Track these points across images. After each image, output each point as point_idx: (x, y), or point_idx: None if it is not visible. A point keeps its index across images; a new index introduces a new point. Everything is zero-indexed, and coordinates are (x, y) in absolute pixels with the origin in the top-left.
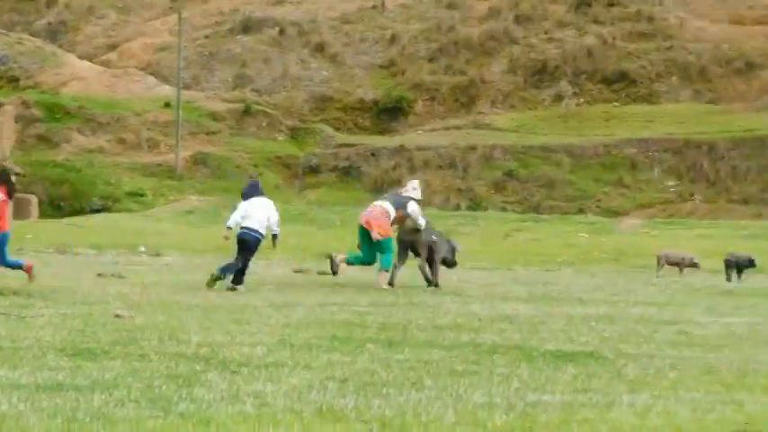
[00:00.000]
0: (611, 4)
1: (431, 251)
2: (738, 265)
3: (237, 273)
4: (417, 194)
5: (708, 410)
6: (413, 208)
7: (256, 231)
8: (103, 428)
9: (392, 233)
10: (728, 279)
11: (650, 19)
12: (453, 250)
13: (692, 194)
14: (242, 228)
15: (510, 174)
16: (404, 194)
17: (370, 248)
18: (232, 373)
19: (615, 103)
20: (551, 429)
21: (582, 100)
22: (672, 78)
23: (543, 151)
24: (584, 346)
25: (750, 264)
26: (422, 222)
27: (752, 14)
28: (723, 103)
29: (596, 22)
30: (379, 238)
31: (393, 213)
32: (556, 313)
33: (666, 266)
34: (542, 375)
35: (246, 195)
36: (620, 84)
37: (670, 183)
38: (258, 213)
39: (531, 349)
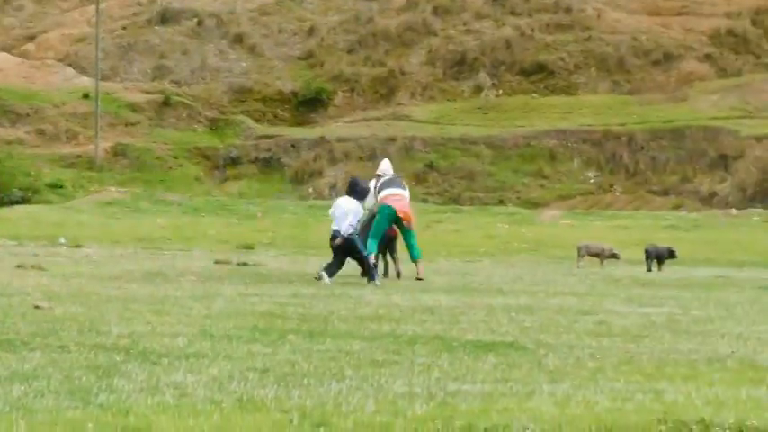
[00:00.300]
0: None
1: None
2: (658, 256)
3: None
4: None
5: (627, 399)
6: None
7: (338, 232)
8: (22, 419)
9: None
10: (649, 269)
11: (568, 10)
12: None
13: (611, 185)
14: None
15: (430, 165)
16: (394, 176)
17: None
18: (152, 364)
19: (534, 95)
20: (471, 418)
21: (501, 91)
22: (590, 70)
23: (463, 143)
24: (504, 337)
25: (670, 255)
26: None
27: (669, 5)
28: (641, 94)
29: (514, 13)
30: (412, 228)
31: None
32: (476, 304)
33: (587, 257)
34: (463, 365)
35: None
36: (539, 75)
37: (590, 174)
38: (339, 214)
39: (451, 339)
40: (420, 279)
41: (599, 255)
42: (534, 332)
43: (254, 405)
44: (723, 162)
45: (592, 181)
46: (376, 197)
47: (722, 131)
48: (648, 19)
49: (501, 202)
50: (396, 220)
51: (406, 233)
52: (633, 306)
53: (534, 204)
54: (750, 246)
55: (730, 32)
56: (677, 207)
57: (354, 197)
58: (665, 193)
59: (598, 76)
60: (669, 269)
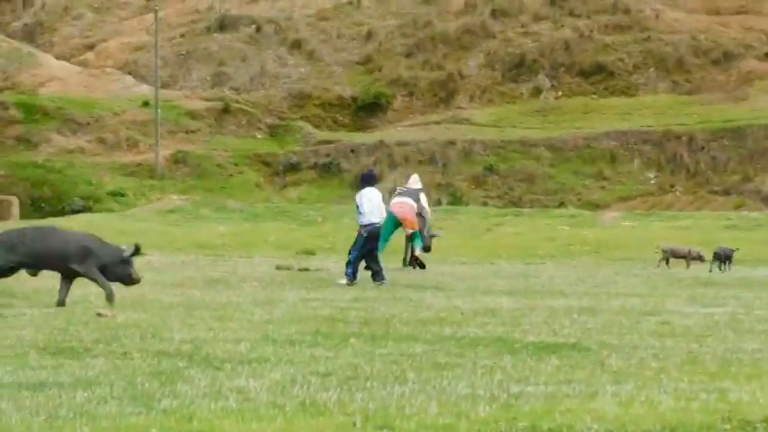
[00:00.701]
0: None
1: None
2: (727, 258)
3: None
4: (419, 185)
5: (691, 399)
6: (424, 199)
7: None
8: (86, 425)
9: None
10: (710, 270)
11: (626, 11)
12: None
13: (672, 186)
14: (370, 224)
15: (490, 168)
16: (413, 187)
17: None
18: (215, 369)
19: (593, 96)
20: (534, 419)
21: (560, 93)
22: (649, 70)
23: (522, 145)
24: (566, 338)
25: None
26: (428, 211)
27: (728, 4)
28: (701, 93)
29: (572, 14)
30: (410, 231)
31: (416, 207)
32: (538, 306)
33: (672, 260)
34: (525, 367)
35: (361, 186)
36: (598, 76)
37: (650, 175)
38: (371, 207)
39: (513, 341)
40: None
41: (685, 257)
42: (597, 333)
43: (316, 409)
44: None
45: (652, 182)
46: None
47: None
48: (707, 18)
49: (561, 205)
50: (398, 223)
51: (412, 233)
52: (696, 306)
53: (595, 206)
54: None
55: None
56: (738, 207)
57: (374, 185)
58: (727, 192)
59: (657, 76)
60: (735, 269)
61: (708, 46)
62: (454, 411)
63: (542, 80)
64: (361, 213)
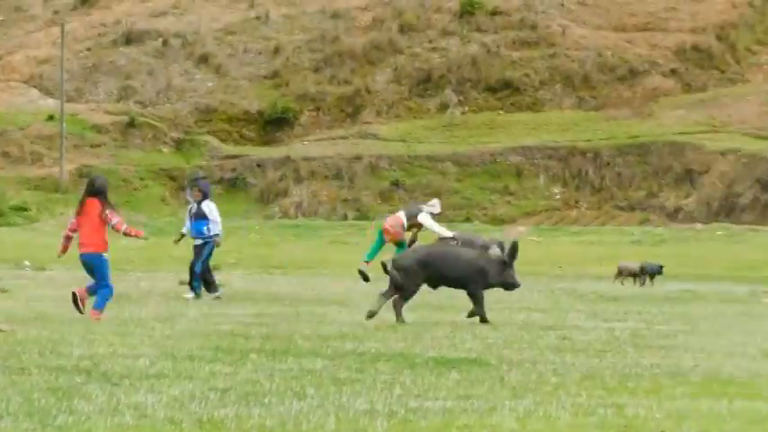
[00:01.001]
0: (495, 13)
1: None
2: (651, 272)
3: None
4: (435, 209)
5: (588, 414)
6: (423, 217)
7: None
8: None
9: (402, 237)
10: (642, 284)
11: (533, 27)
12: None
13: (577, 201)
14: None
15: (396, 183)
16: (421, 206)
17: (378, 248)
18: (113, 386)
19: (500, 112)
20: None
21: (467, 108)
22: (556, 86)
23: (429, 160)
24: (467, 353)
25: (659, 271)
26: (437, 230)
27: (634, 21)
28: (607, 110)
29: (480, 30)
30: (388, 241)
31: (406, 221)
32: (441, 320)
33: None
34: (425, 382)
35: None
36: (505, 92)
37: (555, 190)
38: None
39: (414, 356)
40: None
41: (636, 275)
42: (498, 348)
43: (213, 425)
44: (688, 177)
45: (558, 197)
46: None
47: (687, 146)
48: (614, 35)
49: (467, 219)
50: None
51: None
52: (597, 321)
53: (500, 221)
54: (714, 260)
55: (695, 48)
56: (643, 222)
57: None
58: (631, 208)
59: (564, 92)
60: (630, 284)
61: (614, 62)
62: (352, 427)
63: (449, 96)
64: (216, 223)
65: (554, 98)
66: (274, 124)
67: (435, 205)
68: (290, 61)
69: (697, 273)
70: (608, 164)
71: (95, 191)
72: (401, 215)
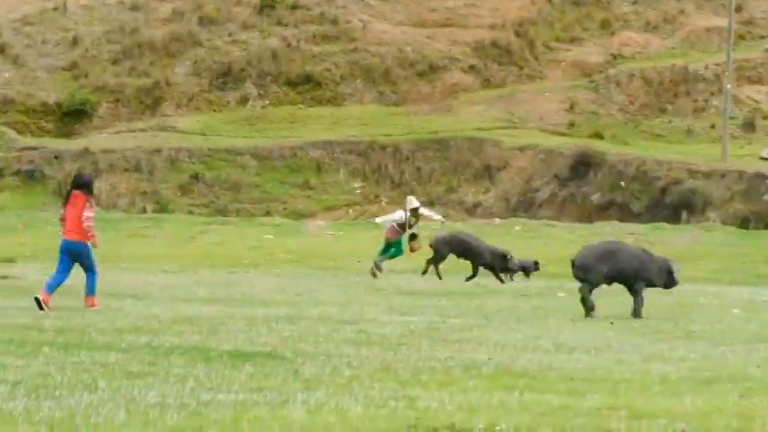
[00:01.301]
0: (295, 7)
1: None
2: (524, 268)
3: None
4: (413, 204)
5: (380, 406)
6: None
7: None
8: None
9: (395, 236)
10: (512, 279)
11: (334, 21)
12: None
13: (377, 196)
14: None
15: (196, 176)
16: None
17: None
18: None
19: (300, 106)
20: (222, 427)
21: (267, 102)
22: (356, 81)
23: (229, 154)
24: (262, 346)
25: (535, 267)
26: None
27: (434, 17)
28: (407, 105)
29: (280, 24)
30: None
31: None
32: (237, 314)
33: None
34: (218, 375)
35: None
36: (305, 86)
37: (355, 184)
38: None
39: (209, 350)
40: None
41: (525, 269)
42: (293, 341)
43: (2, 418)
44: (487, 172)
45: (357, 191)
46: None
47: (486, 142)
48: (414, 30)
49: (267, 213)
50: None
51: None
52: (394, 315)
53: (300, 215)
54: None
55: (494, 44)
56: (443, 217)
57: None
58: (431, 203)
59: (364, 86)
60: (432, 278)
61: (414, 58)
62: (142, 420)
63: (249, 89)
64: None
65: (354, 93)
66: (73, 116)
67: (411, 201)
68: (89, 53)
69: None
70: (408, 159)
71: (81, 184)
72: (394, 215)
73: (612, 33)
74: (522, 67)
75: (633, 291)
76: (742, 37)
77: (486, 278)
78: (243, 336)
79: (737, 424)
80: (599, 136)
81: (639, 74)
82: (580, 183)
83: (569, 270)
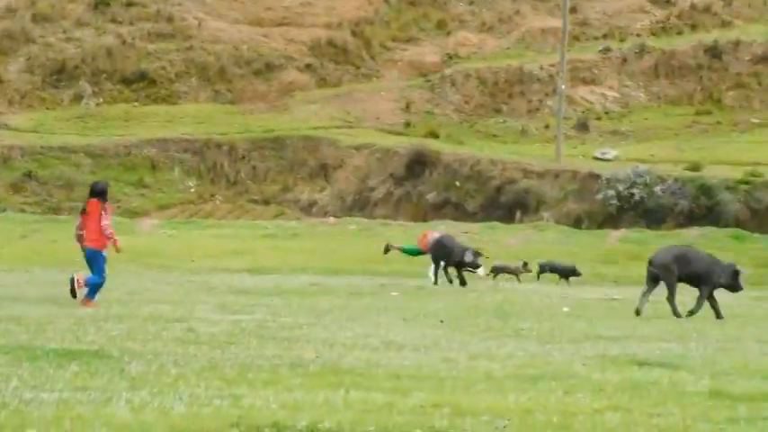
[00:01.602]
0: (131, 4)
1: None
2: (503, 270)
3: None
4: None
5: (204, 405)
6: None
7: None
8: None
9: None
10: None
11: (169, 19)
12: None
13: (212, 195)
14: None
15: (29, 174)
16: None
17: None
18: None
19: (135, 104)
20: (43, 426)
21: (101, 100)
22: (191, 79)
23: (62, 152)
24: (89, 345)
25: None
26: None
27: (270, 16)
28: (243, 103)
29: (115, 21)
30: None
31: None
32: (66, 313)
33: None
34: (43, 374)
35: None
36: (140, 84)
37: (190, 183)
38: None
39: (35, 349)
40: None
41: (515, 272)
42: (121, 340)
43: None
44: (323, 171)
45: (192, 190)
46: None
47: (323, 141)
48: (250, 29)
49: None
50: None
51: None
52: (225, 314)
53: (135, 213)
54: (346, 253)
55: (331, 43)
56: (278, 216)
57: None
58: (266, 202)
59: (199, 85)
60: (269, 278)
61: (250, 56)
62: None
63: (84, 87)
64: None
65: (190, 91)
66: None
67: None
68: None
69: (329, 266)
70: (243, 157)
71: (97, 193)
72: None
73: (448, 33)
74: (358, 67)
75: (699, 291)
76: (576, 38)
77: (326, 278)
78: (70, 335)
79: (559, 420)
80: (434, 135)
81: (475, 74)
82: (415, 182)
83: (405, 268)
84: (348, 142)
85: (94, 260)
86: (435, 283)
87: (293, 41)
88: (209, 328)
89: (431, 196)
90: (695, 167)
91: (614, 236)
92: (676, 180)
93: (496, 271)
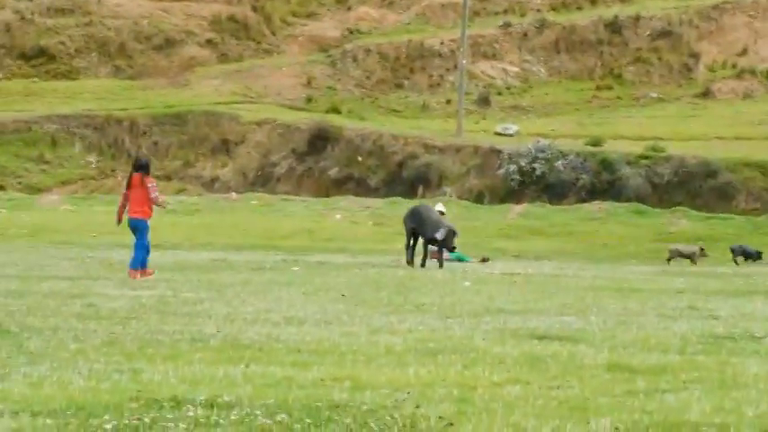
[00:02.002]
0: None
1: None
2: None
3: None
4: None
5: (103, 379)
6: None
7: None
8: None
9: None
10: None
11: None
12: None
13: (113, 170)
14: None
15: None
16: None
17: None
18: None
19: (35, 79)
20: None
21: (1, 76)
22: (92, 54)
23: None
24: None
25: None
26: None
27: None
28: (143, 79)
29: None
30: None
31: None
32: None
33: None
34: None
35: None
36: (40, 59)
37: (91, 159)
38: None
39: None
40: None
41: (691, 256)
42: (20, 316)
43: None
44: (225, 147)
45: (93, 166)
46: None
47: (224, 116)
48: (150, 4)
49: (2, 188)
50: None
51: None
52: (125, 289)
53: (36, 190)
54: (248, 229)
55: (231, 18)
56: (180, 192)
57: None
58: (168, 177)
59: (100, 60)
60: (171, 253)
61: (150, 32)
62: None
63: None
64: None
65: (90, 66)
66: None
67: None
68: None
69: (231, 242)
70: (145, 133)
71: (140, 166)
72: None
73: (349, 8)
74: (259, 42)
75: None
76: (477, 13)
77: (228, 253)
78: None
79: (459, 393)
80: (336, 111)
81: (376, 49)
82: (317, 157)
83: (307, 244)
84: (250, 118)
85: (140, 229)
86: (410, 262)
87: (194, 16)
88: (109, 303)
89: (333, 172)
90: (596, 142)
91: (515, 210)
92: (578, 155)
93: (672, 255)
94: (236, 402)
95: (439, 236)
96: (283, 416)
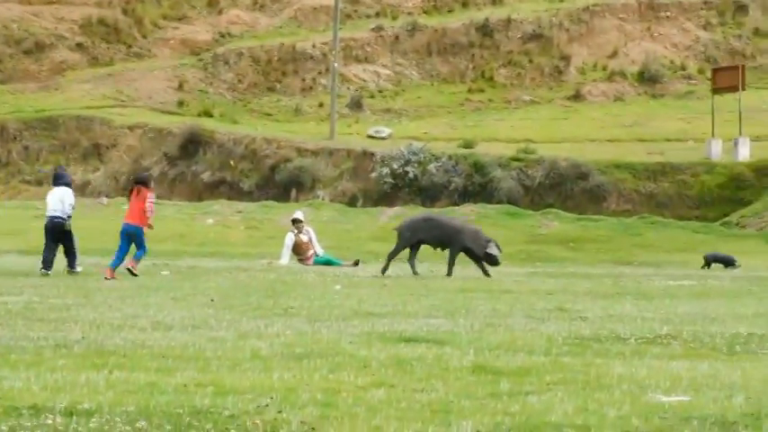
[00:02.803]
0: None
1: None
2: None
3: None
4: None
5: None
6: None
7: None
8: None
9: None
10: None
11: None
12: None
13: None
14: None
15: None
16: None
17: None
18: None
19: None
20: None
21: None
22: None
23: None
24: None
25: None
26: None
27: None
28: (13, 83)
29: None
30: None
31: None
32: None
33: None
34: None
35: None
36: None
37: None
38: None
39: None
40: None
41: (725, 262)
42: None
43: None
44: (96, 151)
45: None
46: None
47: (95, 120)
48: (19, 7)
49: None
50: None
51: None
52: None
53: None
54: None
55: (102, 21)
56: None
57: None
58: (39, 183)
59: None
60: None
61: (20, 35)
62: None
63: None
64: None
65: None
66: None
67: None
68: None
69: (103, 247)
70: (15, 138)
71: (139, 181)
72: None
73: (220, 12)
74: (129, 46)
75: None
76: (349, 16)
77: (99, 258)
78: None
79: (322, 397)
80: (208, 114)
81: (248, 52)
82: (190, 161)
83: (179, 248)
84: (121, 122)
85: (137, 237)
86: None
87: (64, 20)
88: None
89: (205, 176)
90: (468, 145)
91: (388, 213)
92: (450, 157)
93: (709, 260)
94: (97, 409)
95: (494, 251)
96: (143, 422)
